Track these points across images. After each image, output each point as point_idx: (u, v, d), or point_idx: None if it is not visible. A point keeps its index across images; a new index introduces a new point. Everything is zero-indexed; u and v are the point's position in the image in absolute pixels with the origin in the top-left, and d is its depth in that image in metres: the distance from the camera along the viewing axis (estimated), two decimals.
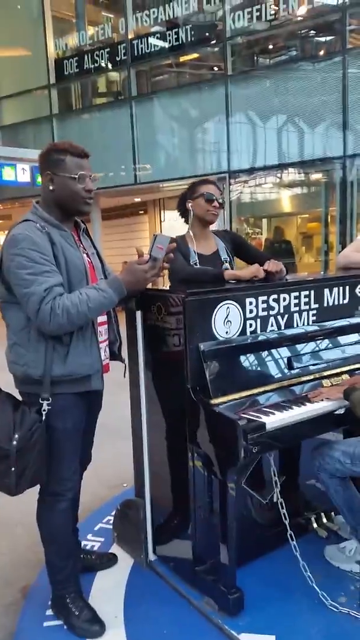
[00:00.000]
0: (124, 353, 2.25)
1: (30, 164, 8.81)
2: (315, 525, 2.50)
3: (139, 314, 2.24)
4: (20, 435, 1.81)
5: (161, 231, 13.08)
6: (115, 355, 2.17)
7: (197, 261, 2.59)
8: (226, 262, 2.65)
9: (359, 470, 2.04)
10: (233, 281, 2.36)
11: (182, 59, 10.05)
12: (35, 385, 1.89)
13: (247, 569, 2.25)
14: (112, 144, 10.00)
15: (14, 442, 1.80)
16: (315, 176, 9.13)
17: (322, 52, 8.57)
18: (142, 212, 13.70)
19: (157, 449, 2.32)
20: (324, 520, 2.53)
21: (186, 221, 2.76)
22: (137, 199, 12.83)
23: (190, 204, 2.66)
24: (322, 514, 2.55)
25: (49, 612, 2.13)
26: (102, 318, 2.04)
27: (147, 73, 10.53)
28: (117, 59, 10.28)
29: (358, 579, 2.23)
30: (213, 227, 2.78)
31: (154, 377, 2.28)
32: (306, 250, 10.77)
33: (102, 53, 10.48)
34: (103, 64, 10.57)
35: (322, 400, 2.06)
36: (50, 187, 1.92)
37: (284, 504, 2.11)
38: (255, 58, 9.55)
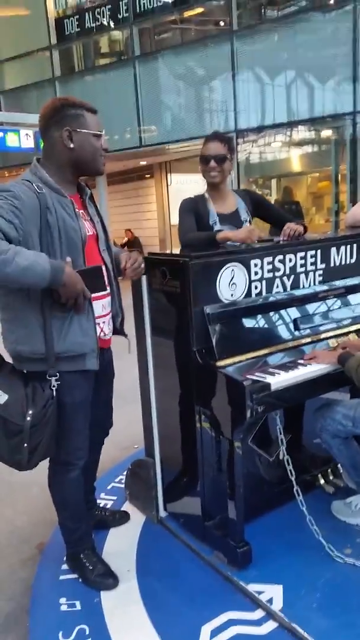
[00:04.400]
0: (131, 319, 2.23)
1: (34, 129, 8.66)
2: (322, 481, 2.55)
3: (144, 278, 2.24)
4: (35, 412, 1.78)
5: (168, 195, 12.93)
6: (117, 331, 2.11)
7: (217, 220, 2.56)
8: (246, 222, 2.61)
9: None
10: (235, 243, 2.35)
11: (186, 14, 9.72)
12: (37, 362, 1.84)
13: (256, 524, 2.32)
14: (116, 106, 9.80)
15: (28, 418, 1.77)
16: (325, 133, 8.91)
17: (332, 1, 8.21)
18: (148, 175, 13.50)
19: (166, 410, 2.36)
20: (331, 476, 2.58)
21: None
22: (143, 162, 12.63)
23: (200, 168, 2.61)
24: (329, 470, 2.60)
25: (64, 566, 2.22)
26: (105, 290, 1.97)
27: (150, 31, 10.22)
28: (119, 16, 9.97)
29: None
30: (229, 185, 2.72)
31: (160, 341, 2.30)
32: (317, 211, 10.60)
33: (103, 10, 10.17)
34: (105, 22, 10.27)
35: (314, 363, 2.07)
36: (71, 145, 1.81)
37: (290, 461, 2.16)
38: (263, 10, 9.20)
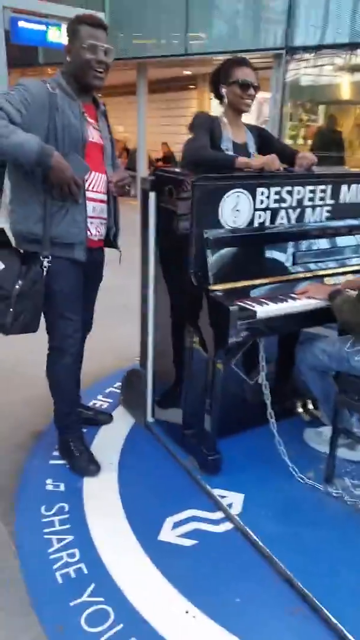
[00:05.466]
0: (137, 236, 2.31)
1: None
2: (300, 409, 2.70)
3: (152, 194, 2.29)
4: (23, 283, 2.02)
5: (210, 110, 12.40)
6: (110, 243, 2.28)
7: (230, 148, 2.47)
8: (252, 156, 2.54)
9: (335, 367, 2.18)
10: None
11: None
12: (33, 243, 2.05)
13: (231, 439, 2.50)
14: (164, 8, 9.21)
15: (17, 287, 2.01)
16: None
17: None
18: (191, 86, 12.91)
19: (162, 326, 2.49)
20: (310, 406, 2.72)
21: (221, 104, 2.55)
22: (187, 72, 12.04)
23: (224, 90, 2.45)
24: (309, 401, 2.73)
25: (55, 453, 2.46)
26: (100, 196, 2.13)
27: None
28: None
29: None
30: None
31: (162, 258, 2.39)
32: None
33: None
34: None
35: (306, 298, 2.15)
36: (68, 59, 2.00)
37: (267, 386, 2.29)
38: None
